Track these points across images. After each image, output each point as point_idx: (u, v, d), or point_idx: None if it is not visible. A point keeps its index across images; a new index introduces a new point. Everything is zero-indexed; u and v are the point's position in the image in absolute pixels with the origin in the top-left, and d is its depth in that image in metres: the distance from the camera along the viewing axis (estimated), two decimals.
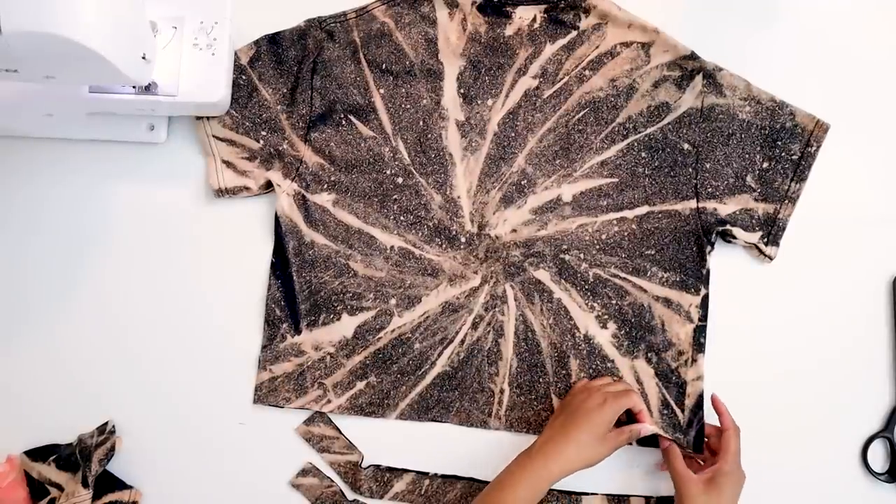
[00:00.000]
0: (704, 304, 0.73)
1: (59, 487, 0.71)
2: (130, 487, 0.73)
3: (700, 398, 0.72)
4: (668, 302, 0.73)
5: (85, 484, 0.70)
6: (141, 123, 0.78)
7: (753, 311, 0.75)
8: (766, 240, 0.74)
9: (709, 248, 0.73)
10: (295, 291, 0.75)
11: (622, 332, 0.73)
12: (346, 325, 0.75)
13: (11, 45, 0.55)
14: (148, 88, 0.71)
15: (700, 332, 0.72)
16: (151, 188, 0.78)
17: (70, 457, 0.72)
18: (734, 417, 0.70)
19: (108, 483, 0.73)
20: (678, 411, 0.71)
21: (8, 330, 0.77)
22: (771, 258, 0.74)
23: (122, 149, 0.78)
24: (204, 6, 0.72)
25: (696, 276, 0.73)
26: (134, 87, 0.71)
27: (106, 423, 0.74)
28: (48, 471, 0.72)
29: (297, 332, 0.75)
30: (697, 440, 0.71)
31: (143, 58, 0.66)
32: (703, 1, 0.79)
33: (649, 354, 0.72)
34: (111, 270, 0.77)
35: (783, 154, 0.73)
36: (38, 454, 0.73)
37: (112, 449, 0.72)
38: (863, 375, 0.74)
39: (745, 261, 0.75)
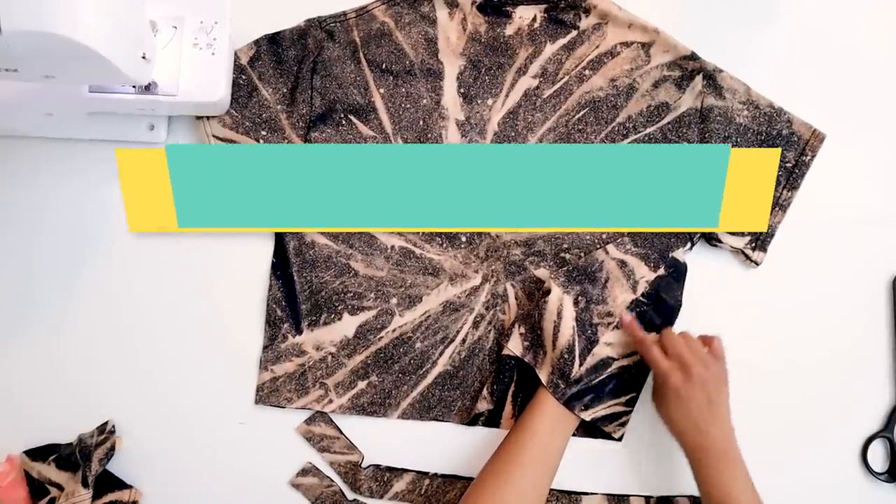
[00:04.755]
0: (655, 284, 0.71)
1: (59, 487, 0.71)
2: (130, 487, 0.73)
3: (601, 364, 0.69)
4: (622, 264, 0.72)
5: (85, 483, 0.70)
6: (141, 123, 0.77)
7: (754, 311, 0.75)
8: (753, 245, 0.74)
9: (688, 244, 0.73)
10: (296, 291, 0.75)
11: (563, 267, 0.72)
12: (348, 325, 0.75)
13: (11, 44, 0.54)
14: (148, 88, 0.71)
15: (636, 306, 0.70)
16: None
17: (70, 456, 0.72)
18: (735, 420, 0.70)
19: (108, 483, 0.73)
20: (577, 363, 0.68)
21: (8, 330, 0.77)
22: (757, 263, 0.74)
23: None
24: (204, 6, 0.72)
25: (660, 254, 0.72)
26: (134, 86, 0.71)
27: (106, 423, 0.74)
28: (48, 470, 0.72)
29: (299, 332, 0.75)
30: (572, 398, 0.68)
31: (143, 57, 0.66)
32: (704, 1, 0.79)
33: (579, 298, 0.70)
34: (111, 270, 0.77)
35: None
36: (38, 454, 0.73)
37: (112, 449, 0.72)
38: (863, 375, 0.75)
39: (744, 261, 0.75)
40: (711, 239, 0.74)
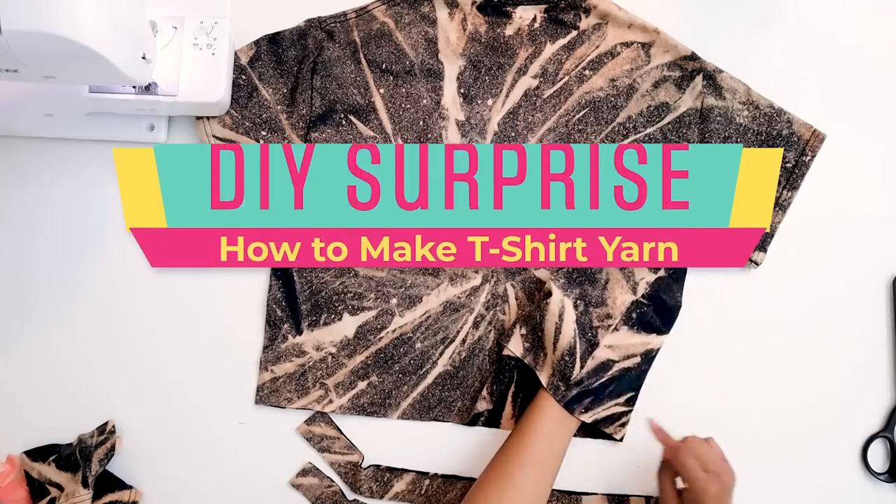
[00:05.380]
0: (655, 285, 0.72)
1: (60, 487, 0.71)
2: (130, 487, 0.73)
3: (601, 366, 0.69)
4: None
5: (85, 484, 0.70)
6: (141, 123, 0.77)
7: (754, 311, 0.75)
8: None
9: None
10: (296, 292, 0.75)
11: (561, 271, 0.72)
12: (348, 325, 0.75)
13: (11, 45, 0.54)
14: (148, 88, 0.71)
15: (636, 307, 0.71)
16: None
17: (70, 457, 0.72)
18: (736, 420, 0.70)
19: (109, 483, 0.73)
20: (577, 365, 0.68)
21: (8, 330, 0.77)
22: (757, 264, 0.74)
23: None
24: (204, 6, 0.72)
25: None
26: (134, 87, 0.71)
27: (106, 423, 0.74)
28: (48, 471, 0.72)
29: (299, 332, 0.75)
30: (573, 400, 0.68)
31: (143, 58, 0.66)
32: (703, 1, 0.79)
33: (578, 302, 0.70)
34: (111, 270, 0.77)
35: None
36: (38, 454, 0.73)
37: (112, 449, 0.72)
38: (863, 375, 0.75)
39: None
40: None
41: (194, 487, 0.74)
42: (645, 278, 0.71)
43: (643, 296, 0.71)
